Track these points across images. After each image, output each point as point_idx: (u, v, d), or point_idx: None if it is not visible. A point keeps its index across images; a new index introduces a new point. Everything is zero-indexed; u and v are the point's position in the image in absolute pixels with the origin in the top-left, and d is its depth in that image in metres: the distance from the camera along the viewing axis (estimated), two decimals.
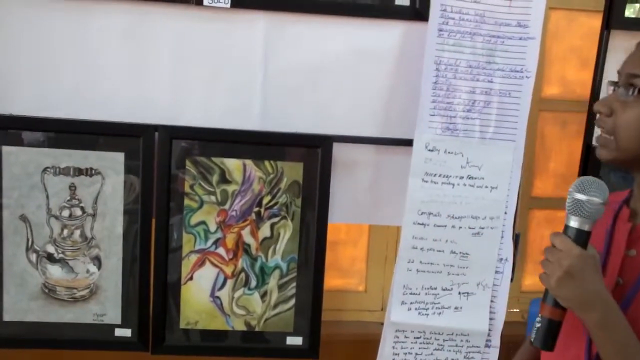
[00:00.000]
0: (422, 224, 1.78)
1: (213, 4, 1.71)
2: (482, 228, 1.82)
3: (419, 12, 1.76)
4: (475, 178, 1.83)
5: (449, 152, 1.80)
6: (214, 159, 1.79)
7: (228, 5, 1.71)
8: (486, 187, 1.78)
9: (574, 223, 1.28)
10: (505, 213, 1.83)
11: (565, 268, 1.24)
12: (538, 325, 1.27)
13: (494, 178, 1.82)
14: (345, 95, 1.82)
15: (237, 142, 1.79)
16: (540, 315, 1.32)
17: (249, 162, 1.80)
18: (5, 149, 1.74)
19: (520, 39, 1.79)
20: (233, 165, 1.80)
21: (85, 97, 1.75)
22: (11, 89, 1.74)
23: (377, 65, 1.79)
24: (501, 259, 1.86)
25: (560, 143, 3.24)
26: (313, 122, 1.81)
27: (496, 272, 1.86)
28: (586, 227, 1.24)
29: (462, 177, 1.82)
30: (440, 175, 1.81)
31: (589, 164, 2.10)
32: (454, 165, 1.80)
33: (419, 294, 1.85)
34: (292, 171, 1.82)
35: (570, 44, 3.17)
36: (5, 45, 1.72)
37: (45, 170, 1.75)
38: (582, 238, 1.24)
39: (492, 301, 1.87)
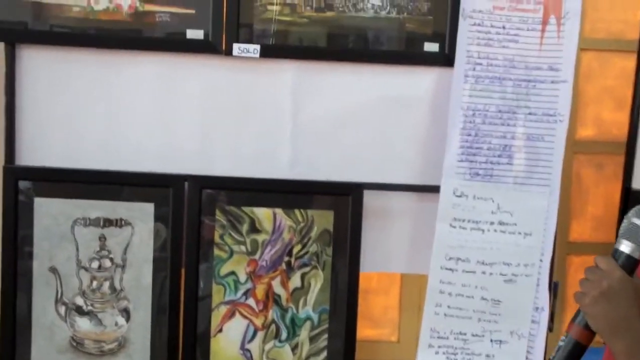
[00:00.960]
0: (450, 269, 1.80)
1: (242, 54, 1.78)
2: (515, 275, 1.84)
3: (448, 58, 1.83)
4: (506, 224, 1.85)
5: (478, 198, 1.83)
6: (243, 208, 1.84)
7: (257, 55, 1.78)
8: (519, 233, 1.80)
9: (624, 248, 1.26)
10: (541, 260, 1.84)
11: (603, 288, 1.22)
12: (561, 344, 1.24)
13: (527, 224, 1.84)
14: (376, 142, 1.88)
15: (266, 190, 1.84)
16: (566, 332, 1.30)
17: (278, 210, 1.84)
18: (37, 200, 1.81)
19: (552, 82, 1.83)
20: (263, 214, 1.84)
21: (115, 148, 1.84)
22: (42, 140, 1.83)
23: (408, 112, 1.85)
24: (537, 308, 1.87)
25: (596, 186, 3.24)
26: (343, 170, 1.86)
27: (532, 321, 1.87)
28: (637, 255, 1.21)
29: (492, 223, 1.84)
30: (469, 221, 1.84)
31: (629, 207, 2.10)
32: (483, 211, 1.83)
33: (448, 339, 1.87)
34: (323, 219, 1.85)
35: (604, 85, 3.20)
36: (36, 98, 1.81)
37: (75, 221, 1.81)
38: (629, 264, 1.21)
39: (528, 352, 1.87)
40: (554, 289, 1.88)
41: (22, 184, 1.79)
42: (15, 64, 1.79)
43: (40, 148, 1.82)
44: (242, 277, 1.85)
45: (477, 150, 1.82)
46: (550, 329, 1.85)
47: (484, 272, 1.83)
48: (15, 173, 1.79)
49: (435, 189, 1.84)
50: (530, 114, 1.81)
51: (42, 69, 1.79)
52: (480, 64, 1.78)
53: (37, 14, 1.77)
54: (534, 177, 1.84)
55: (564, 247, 3.13)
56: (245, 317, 1.86)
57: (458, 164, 1.81)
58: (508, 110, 1.80)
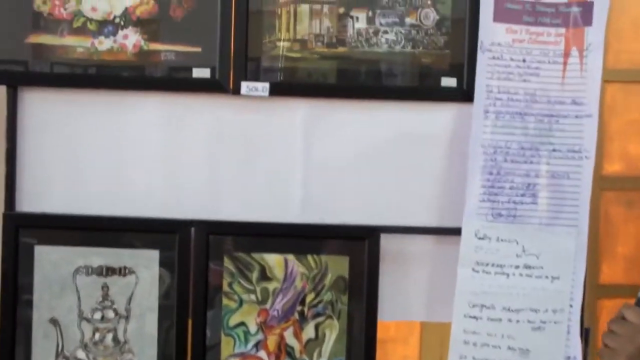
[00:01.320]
0: (474, 317, 1.73)
1: (251, 93, 1.74)
2: (544, 322, 1.76)
3: (467, 93, 1.78)
4: (533, 267, 1.78)
5: (501, 240, 1.77)
6: (253, 254, 1.78)
7: (266, 94, 1.74)
8: (546, 277, 1.73)
9: None
10: (571, 306, 1.77)
11: (637, 344, 1.15)
12: None
13: (554, 267, 1.77)
14: (392, 182, 1.82)
15: (277, 235, 1.79)
16: None
17: (290, 257, 1.78)
18: (38, 248, 1.77)
19: (576, 116, 1.78)
20: (274, 260, 1.78)
21: (119, 192, 1.79)
22: (44, 186, 1.79)
23: (425, 150, 1.79)
24: (569, 357, 1.79)
25: (626, 224, 3.14)
26: (358, 212, 1.80)
27: None
28: None
29: (517, 267, 1.77)
30: (493, 265, 1.77)
31: None
32: (508, 254, 1.76)
33: None
34: (337, 266, 1.79)
35: (630, 118, 3.12)
36: (39, 142, 1.78)
37: (77, 269, 1.76)
38: None
39: None
40: (586, 335, 1.81)
41: (23, 232, 1.75)
42: (17, 107, 1.77)
43: (41, 194, 1.78)
44: (253, 327, 1.78)
45: (500, 190, 1.76)
46: None
47: (510, 320, 1.75)
48: (16, 220, 1.76)
49: (456, 232, 1.78)
50: (554, 150, 1.77)
51: (45, 112, 1.77)
52: (501, 99, 1.73)
53: (39, 56, 1.75)
54: (560, 217, 1.77)
55: (594, 290, 3.01)
56: None
57: (480, 204, 1.75)
58: (531, 147, 1.75)
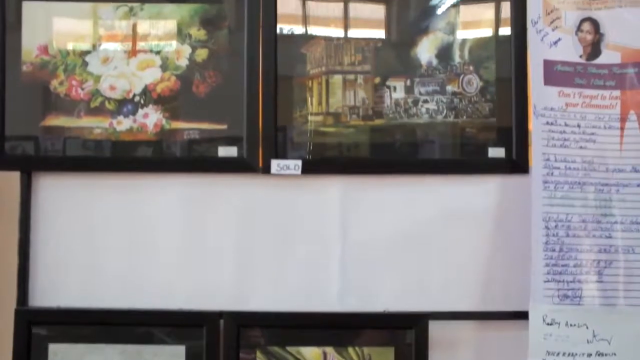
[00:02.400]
0: None
1: (282, 172, 1.69)
2: None
3: (516, 163, 1.72)
4: (605, 355, 1.67)
5: (571, 325, 1.67)
6: (288, 348, 1.68)
7: (299, 172, 1.69)
8: None
9: None
10: None
11: None
12: None
13: (629, 353, 1.67)
14: (438, 264, 1.74)
15: (314, 327, 1.69)
16: None
17: (329, 349, 1.68)
18: (52, 347, 1.68)
19: (638, 185, 1.71)
20: (311, 354, 1.68)
21: (139, 282, 1.72)
22: (59, 277, 1.73)
23: (472, 227, 1.73)
24: None
25: None
26: (402, 298, 1.72)
27: None
28: None
29: (590, 355, 1.66)
30: (564, 354, 1.65)
31: None
32: (578, 340, 1.66)
33: None
34: (382, 358, 1.68)
35: None
36: (53, 230, 1.73)
37: None
38: None
39: None
40: None
41: (36, 328, 1.67)
42: (31, 193, 1.72)
43: (56, 286, 1.71)
44: None
45: (564, 268, 1.68)
46: None
47: None
48: (28, 316, 1.68)
49: (508, 315, 1.70)
50: (616, 222, 1.69)
51: (60, 198, 1.72)
52: (558, 168, 1.68)
53: (55, 139, 1.72)
54: (629, 295, 1.69)
55: None
56: None
57: (545, 285, 1.66)
58: (592, 220, 1.68)
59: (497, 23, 1.75)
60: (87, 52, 1.71)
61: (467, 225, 1.72)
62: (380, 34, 1.75)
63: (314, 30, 1.72)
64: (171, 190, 1.72)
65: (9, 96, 1.70)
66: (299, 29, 1.72)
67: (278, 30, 1.70)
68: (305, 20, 1.73)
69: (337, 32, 1.73)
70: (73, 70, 1.70)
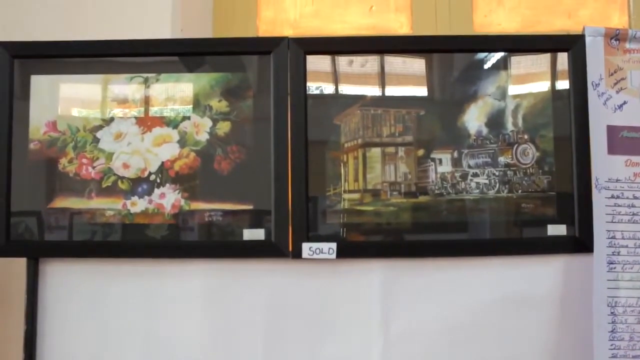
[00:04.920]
0: None
1: (314, 256, 1.61)
2: None
3: (580, 241, 1.63)
4: None
5: None
6: None
7: (333, 256, 1.61)
8: None
9: None
10: None
11: None
12: None
13: None
14: (496, 356, 1.63)
15: None
16: None
17: None
18: None
19: None
20: None
21: None
22: None
23: (533, 315, 1.64)
24: None
25: None
26: None
27: None
28: None
29: None
30: None
31: None
32: None
33: None
34: None
35: None
36: (62, 323, 1.65)
37: None
38: None
39: None
40: None
41: None
42: (38, 281, 1.65)
43: None
44: None
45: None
46: None
47: None
48: None
49: None
50: None
51: (69, 286, 1.65)
52: (626, 246, 1.61)
53: (64, 222, 1.65)
54: None
55: None
56: None
57: None
58: None
59: (554, 85, 1.67)
60: (99, 128, 1.67)
61: (526, 313, 1.63)
62: (421, 98, 1.67)
63: (346, 89, 1.66)
64: (191, 279, 1.65)
65: (16, 176, 1.65)
66: (330, 88, 1.66)
67: (308, 90, 1.64)
68: (336, 79, 1.66)
69: (373, 90, 1.66)
70: (83, 147, 1.66)
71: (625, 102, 1.63)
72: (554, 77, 1.67)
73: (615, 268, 1.59)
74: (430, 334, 1.62)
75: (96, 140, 1.65)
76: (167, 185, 1.63)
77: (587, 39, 1.64)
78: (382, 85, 1.65)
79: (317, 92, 1.65)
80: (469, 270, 1.63)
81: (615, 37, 1.64)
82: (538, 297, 1.63)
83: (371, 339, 1.62)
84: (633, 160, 1.62)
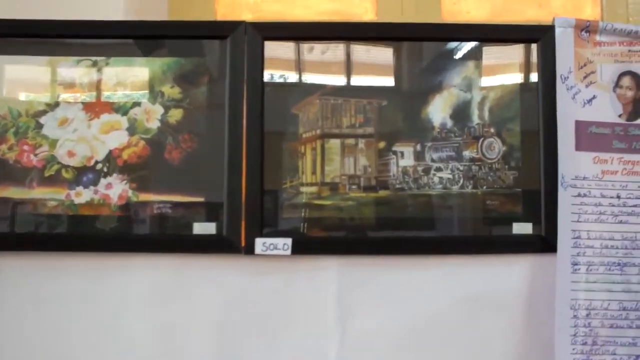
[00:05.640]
0: None
1: (269, 252, 1.57)
2: None
3: (547, 241, 1.61)
4: None
5: None
6: None
7: (288, 252, 1.57)
8: None
9: None
10: None
11: None
12: None
13: None
14: (457, 359, 1.61)
15: None
16: None
17: None
18: None
19: None
20: None
21: None
22: None
23: (497, 317, 1.62)
24: None
25: None
26: None
27: None
28: None
29: None
30: None
31: None
32: None
33: None
34: None
35: None
36: (2, 316, 1.58)
37: None
38: None
39: None
40: None
41: None
42: None
43: None
44: None
45: None
46: None
47: None
48: None
49: None
50: None
51: (8, 281, 1.59)
52: (592, 247, 1.59)
53: (3, 212, 1.59)
54: None
55: None
56: None
57: None
58: (636, 308, 1.58)
59: (522, 78, 1.66)
60: (42, 113, 1.61)
61: (490, 315, 1.62)
62: (384, 88, 1.63)
63: (305, 77, 1.62)
64: (139, 274, 1.61)
65: None
66: (288, 76, 1.62)
67: (266, 78, 1.60)
68: (295, 67, 1.62)
69: (333, 79, 1.63)
70: (25, 133, 1.60)
71: (594, 97, 1.62)
72: (522, 69, 1.65)
73: (579, 269, 1.58)
74: (389, 335, 1.60)
75: (39, 126, 1.59)
76: (115, 175, 1.58)
77: (557, 30, 1.62)
78: (344, 74, 1.62)
79: (275, 79, 1.61)
80: (430, 269, 1.61)
81: (585, 29, 1.62)
82: (503, 298, 1.61)
83: (327, 340, 1.59)
84: (601, 157, 1.60)
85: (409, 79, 1.64)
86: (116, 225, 1.58)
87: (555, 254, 1.59)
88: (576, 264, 1.58)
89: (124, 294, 1.60)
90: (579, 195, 1.59)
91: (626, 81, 1.63)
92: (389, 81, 1.63)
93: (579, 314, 1.57)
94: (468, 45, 1.65)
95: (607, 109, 1.62)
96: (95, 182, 1.58)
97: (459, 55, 1.65)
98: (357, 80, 1.63)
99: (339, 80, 1.63)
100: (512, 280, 1.61)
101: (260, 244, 1.56)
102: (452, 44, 1.65)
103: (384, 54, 1.63)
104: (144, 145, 1.58)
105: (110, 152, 1.58)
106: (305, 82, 1.63)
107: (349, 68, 1.62)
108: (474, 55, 1.64)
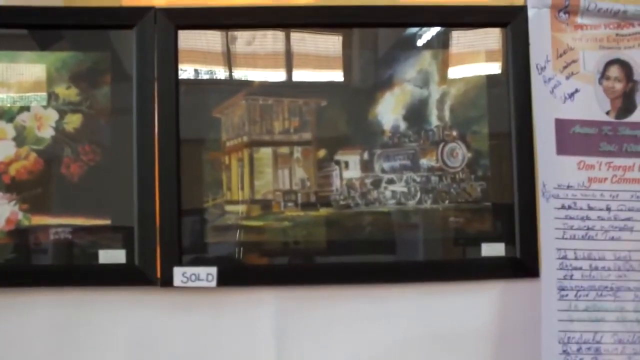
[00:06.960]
0: None
1: (190, 284, 1.45)
2: None
3: (522, 264, 1.52)
4: None
5: None
6: None
7: (213, 284, 1.46)
8: None
9: None
10: None
11: None
12: None
13: None
14: None
15: None
16: None
17: None
18: None
19: None
20: None
21: None
22: None
23: (465, 353, 1.52)
24: None
25: None
26: None
27: None
28: None
29: None
30: None
31: None
32: None
33: None
34: None
35: None
36: None
37: None
38: None
39: None
40: None
41: None
42: None
43: None
44: None
45: None
46: None
47: None
48: None
49: None
50: None
51: None
52: (580, 269, 1.50)
53: None
54: None
55: None
56: None
57: None
58: (633, 340, 1.51)
59: (489, 69, 1.55)
60: None
61: (456, 352, 1.52)
62: (323, 85, 1.51)
63: (228, 73, 1.50)
64: (36, 312, 1.49)
65: None
66: (208, 72, 1.50)
67: (181, 75, 1.46)
68: (217, 60, 1.49)
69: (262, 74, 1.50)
70: None
71: (577, 90, 1.54)
72: (489, 58, 1.56)
73: (567, 295, 1.52)
74: None
75: None
76: (1, 194, 1.43)
77: (530, 12, 1.55)
78: (275, 69, 1.50)
79: (192, 76, 1.50)
80: (384, 300, 1.52)
81: (564, 10, 1.53)
82: (471, 332, 1.53)
83: None
84: (587, 162, 1.52)
85: (350, 73, 1.53)
86: (5, 255, 1.42)
87: (532, 279, 1.53)
88: (563, 289, 1.51)
89: (19, 335, 1.47)
90: (562, 207, 1.53)
91: (614, 71, 1.56)
92: (330, 76, 1.51)
93: (569, 348, 1.51)
94: (427, 32, 1.50)
95: (592, 105, 1.55)
96: None
97: (409, 43, 1.52)
98: (292, 76, 1.51)
99: (270, 76, 1.50)
100: (482, 311, 1.54)
101: (179, 274, 1.46)
102: (410, 31, 1.52)
103: (325, 43, 1.50)
104: (36, 158, 1.46)
105: None
106: (229, 79, 1.50)
107: (285, 61, 1.50)
108: (431, 44, 1.52)
